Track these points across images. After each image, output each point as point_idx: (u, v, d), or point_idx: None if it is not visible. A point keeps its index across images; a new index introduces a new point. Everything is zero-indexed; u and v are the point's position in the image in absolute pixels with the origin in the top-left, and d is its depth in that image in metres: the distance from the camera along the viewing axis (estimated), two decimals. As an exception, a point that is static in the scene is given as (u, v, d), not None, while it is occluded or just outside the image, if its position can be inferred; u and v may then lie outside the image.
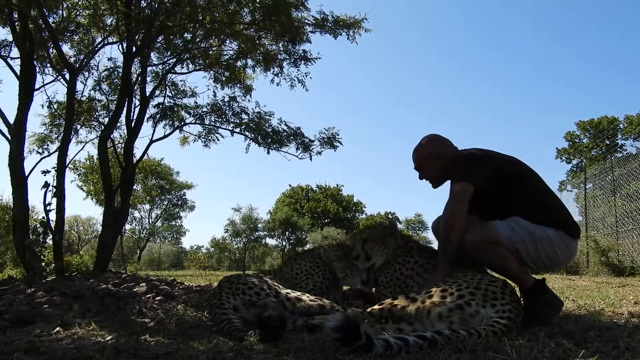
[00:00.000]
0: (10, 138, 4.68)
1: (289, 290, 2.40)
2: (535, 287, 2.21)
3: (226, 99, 7.72)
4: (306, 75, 7.03)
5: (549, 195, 2.41)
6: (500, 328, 1.70)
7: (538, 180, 2.44)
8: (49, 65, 6.11)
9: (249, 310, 2.24)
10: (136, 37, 5.69)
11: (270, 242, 37.63)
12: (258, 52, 6.71)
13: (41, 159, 6.08)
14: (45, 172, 4.54)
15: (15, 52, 5.59)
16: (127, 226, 32.33)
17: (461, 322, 1.78)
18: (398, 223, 49.48)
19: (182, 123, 7.77)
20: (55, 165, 4.64)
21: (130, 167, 6.06)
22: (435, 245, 2.67)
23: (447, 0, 68.53)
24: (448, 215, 2.29)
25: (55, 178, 4.56)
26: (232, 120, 7.75)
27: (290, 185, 45.93)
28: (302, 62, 6.86)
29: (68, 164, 5.12)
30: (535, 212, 2.28)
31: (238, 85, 7.66)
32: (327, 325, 1.50)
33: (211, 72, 7.44)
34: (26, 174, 4.64)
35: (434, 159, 2.54)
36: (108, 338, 1.92)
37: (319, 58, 6.87)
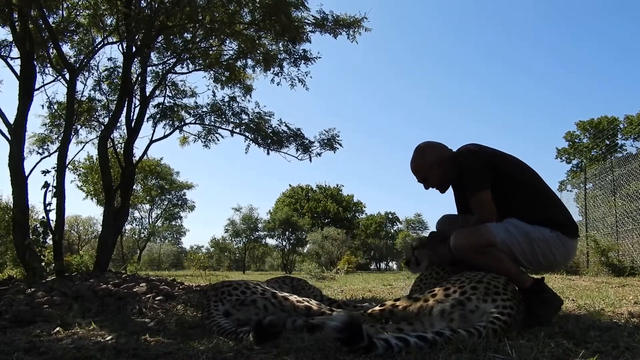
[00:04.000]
0: (10, 138, 4.68)
1: (275, 290, 2.41)
2: (534, 287, 2.21)
3: (226, 99, 7.73)
4: (306, 75, 7.03)
5: (545, 194, 2.39)
6: (500, 325, 1.70)
7: (534, 178, 2.42)
8: (49, 65, 6.11)
9: (240, 310, 2.23)
10: (136, 37, 5.69)
11: (270, 242, 37.62)
12: (258, 52, 6.71)
13: (41, 159, 6.10)
14: (45, 172, 4.54)
15: (15, 52, 5.60)
16: (127, 226, 32.35)
17: (461, 319, 1.78)
18: (398, 223, 49.51)
19: (182, 123, 7.77)
20: (55, 165, 4.64)
21: (130, 167, 6.06)
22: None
23: (446, 3, 68.52)
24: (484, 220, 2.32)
25: (55, 178, 4.56)
26: (232, 120, 7.75)
27: (290, 185, 45.92)
28: (302, 61, 6.86)
29: (68, 164, 5.12)
30: (531, 213, 2.27)
31: (238, 85, 7.66)
32: (331, 324, 1.49)
33: (211, 72, 7.44)
34: (26, 174, 4.64)
35: (436, 167, 2.53)
36: (108, 338, 1.92)
37: (319, 57, 6.87)
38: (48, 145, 7.45)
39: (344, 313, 1.54)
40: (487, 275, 1.98)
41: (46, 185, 4.50)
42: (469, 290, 1.87)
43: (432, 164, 2.53)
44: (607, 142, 24.75)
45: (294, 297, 2.32)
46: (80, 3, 6.12)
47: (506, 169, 2.35)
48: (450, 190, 2.65)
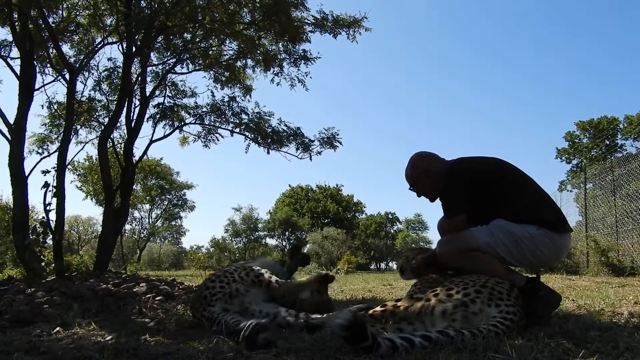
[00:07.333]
0: (10, 138, 4.69)
1: (246, 269, 2.42)
2: (529, 286, 2.21)
3: (226, 99, 7.75)
4: (306, 75, 7.05)
5: (532, 193, 2.41)
6: (503, 329, 1.70)
7: (518, 178, 2.45)
8: (49, 65, 6.12)
9: (233, 302, 2.24)
10: (136, 37, 5.69)
11: (270, 242, 37.61)
12: (258, 52, 6.72)
13: (41, 159, 6.13)
14: (45, 172, 4.54)
15: (15, 52, 5.61)
16: (127, 226, 32.36)
17: (464, 319, 1.77)
18: (398, 223, 49.49)
19: (182, 123, 7.78)
20: (55, 165, 4.64)
21: (131, 167, 6.06)
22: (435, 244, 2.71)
23: (446, 3, 68.52)
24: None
25: (55, 178, 4.57)
26: (232, 120, 7.77)
27: (290, 186, 45.93)
28: (302, 61, 6.88)
29: (68, 164, 5.13)
30: (515, 212, 2.29)
31: (238, 85, 7.67)
32: (336, 322, 1.48)
33: (211, 72, 7.45)
34: (26, 174, 4.65)
35: (424, 176, 2.61)
36: (108, 338, 1.92)
37: (319, 57, 6.89)
38: (48, 145, 7.47)
39: (348, 312, 1.53)
40: (490, 280, 1.98)
41: (46, 185, 4.50)
42: (472, 292, 1.86)
43: (419, 174, 2.63)
44: (607, 142, 24.78)
45: (266, 274, 2.38)
46: (80, 3, 6.12)
47: (493, 176, 2.42)
48: None
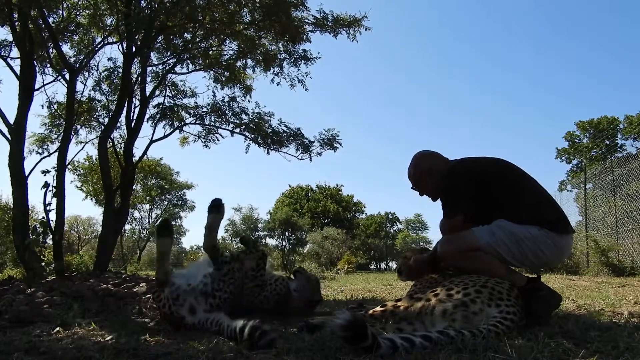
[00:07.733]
0: (10, 138, 4.69)
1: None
2: (530, 286, 2.21)
3: (226, 99, 7.75)
4: (306, 75, 7.06)
5: (534, 193, 2.41)
6: (503, 329, 1.70)
7: (519, 178, 2.45)
8: (49, 65, 6.12)
9: (182, 298, 2.17)
10: (136, 37, 5.70)
11: (270, 242, 37.55)
12: (258, 52, 6.72)
13: (41, 159, 6.13)
14: (45, 172, 4.55)
15: (15, 52, 5.62)
16: (127, 226, 32.36)
17: (464, 319, 1.77)
18: (398, 223, 49.52)
19: (182, 123, 7.78)
20: (55, 165, 4.65)
21: (131, 167, 6.06)
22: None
23: (447, 3, 68.51)
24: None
25: (55, 178, 4.57)
26: (232, 120, 7.77)
27: (290, 185, 45.93)
28: (302, 61, 6.89)
29: (68, 164, 5.13)
30: (517, 213, 2.29)
31: (238, 85, 7.68)
32: (336, 323, 1.48)
33: (211, 72, 7.45)
34: (26, 174, 4.65)
35: (427, 175, 2.61)
36: (108, 338, 1.92)
37: (319, 57, 6.90)
38: (48, 145, 7.47)
39: (348, 312, 1.53)
40: (491, 280, 1.98)
41: (46, 185, 4.51)
42: (473, 292, 1.86)
43: (422, 172, 2.62)
44: (607, 142, 24.80)
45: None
46: (80, 3, 6.13)
47: (494, 176, 2.41)
48: None
